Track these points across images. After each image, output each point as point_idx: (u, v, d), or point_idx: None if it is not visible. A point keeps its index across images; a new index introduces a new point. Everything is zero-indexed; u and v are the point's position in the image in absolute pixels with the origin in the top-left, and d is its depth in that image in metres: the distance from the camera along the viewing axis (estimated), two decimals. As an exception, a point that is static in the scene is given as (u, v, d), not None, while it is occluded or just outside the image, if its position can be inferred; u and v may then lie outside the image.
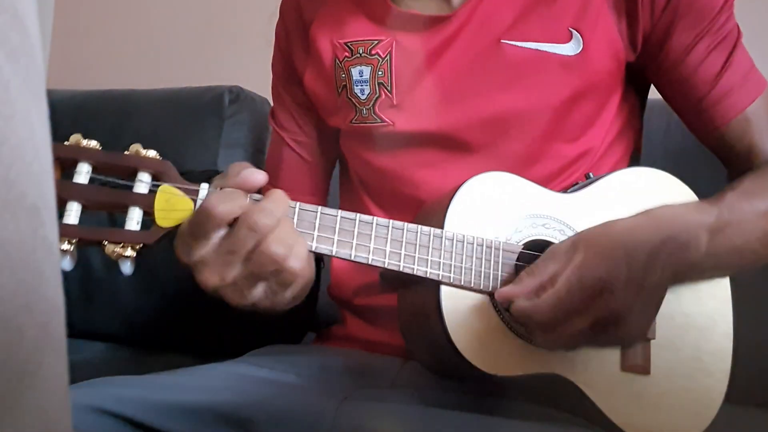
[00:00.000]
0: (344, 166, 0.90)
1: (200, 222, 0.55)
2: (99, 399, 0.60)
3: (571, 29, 0.73)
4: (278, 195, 0.58)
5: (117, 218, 0.58)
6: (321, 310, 0.97)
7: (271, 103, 0.94)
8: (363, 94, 0.78)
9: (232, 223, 0.55)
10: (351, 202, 0.86)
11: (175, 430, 0.60)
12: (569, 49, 0.73)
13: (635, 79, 0.79)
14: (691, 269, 0.61)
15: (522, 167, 0.69)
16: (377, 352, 0.79)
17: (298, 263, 0.56)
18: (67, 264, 0.54)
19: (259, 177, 0.58)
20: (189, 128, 1.41)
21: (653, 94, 0.82)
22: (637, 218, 0.61)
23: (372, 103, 0.78)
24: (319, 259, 0.96)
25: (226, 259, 0.55)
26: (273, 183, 0.90)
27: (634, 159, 0.84)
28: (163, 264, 1.22)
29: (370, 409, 0.62)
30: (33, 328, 0.24)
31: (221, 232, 0.55)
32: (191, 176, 0.59)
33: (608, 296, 0.57)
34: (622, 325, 0.58)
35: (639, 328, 0.61)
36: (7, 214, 0.23)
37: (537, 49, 0.73)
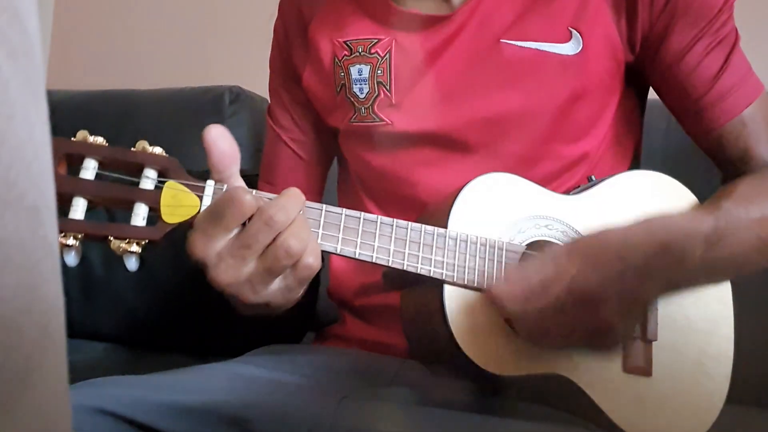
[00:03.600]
0: (343, 165, 0.90)
1: (222, 211, 0.55)
2: (99, 399, 0.60)
3: (570, 29, 0.73)
4: (293, 192, 0.58)
5: (119, 216, 0.57)
6: (321, 310, 0.97)
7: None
8: (362, 93, 0.78)
9: (245, 222, 0.56)
10: (349, 202, 0.86)
11: (175, 430, 0.60)
12: (569, 48, 0.73)
13: (635, 81, 0.79)
14: (685, 278, 0.60)
15: (521, 168, 0.69)
16: (377, 351, 0.79)
17: (314, 259, 0.57)
18: (72, 259, 0.54)
19: (214, 130, 0.57)
20: (189, 128, 1.40)
21: (652, 94, 0.82)
22: (633, 227, 0.59)
23: (371, 102, 0.78)
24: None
25: (240, 253, 0.55)
26: (268, 180, 0.90)
27: (634, 161, 0.84)
28: (163, 264, 1.22)
29: (369, 409, 0.62)
30: (32, 329, 0.24)
31: (240, 226, 0.55)
32: (191, 176, 0.59)
33: (599, 307, 0.56)
34: (610, 332, 0.58)
35: (626, 332, 0.62)
36: (7, 214, 0.23)
37: (537, 49, 0.73)
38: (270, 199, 0.57)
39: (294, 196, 0.57)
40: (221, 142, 0.57)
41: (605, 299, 0.56)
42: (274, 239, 0.55)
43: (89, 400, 0.59)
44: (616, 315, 0.57)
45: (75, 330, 1.25)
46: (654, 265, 0.57)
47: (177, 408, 0.61)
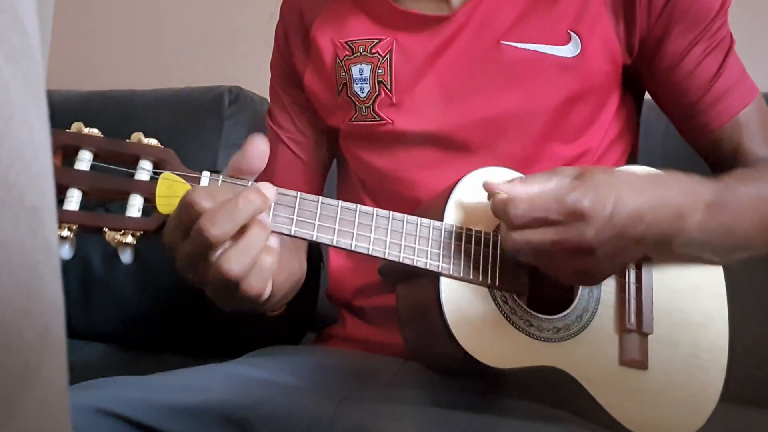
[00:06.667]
0: (343, 167, 0.90)
1: (181, 216, 0.53)
2: (99, 399, 0.60)
3: (569, 31, 0.74)
4: (248, 193, 0.52)
5: (114, 208, 0.57)
6: (320, 311, 0.97)
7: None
8: (363, 93, 0.79)
9: None
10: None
11: (175, 430, 0.60)
12: (568, 51, 0.74)
13: (631, 82, 0.80)
14: (680, 236, 0.63)
15: (520, 168, 0.70)
16: (376, 352, 0.79)
17: (258, 282, 0.53)
18: (66, 252, 0.53)
19: (260, 144, 0.56)
20: (189, 128, 1.41)
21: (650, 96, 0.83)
22: (643, 175, 0.65)
23: (372, 101, 0.79)
24: (319, 260, 0.96)
25: (194, 259, 0.53)
26: (267, 180, 0.90)
27: (631, 161, 0.84)
28: (162, 264, 1.22)
29: (369, 410, 0.62)
30: (32, 330, 0.24)
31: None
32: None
33: (583, 225, 0.57)
34: (585, 259, 0.59)
35: (600, 270, 0.62)
36: (7, 215, 0.23)
37: (536, 51, 0.74)
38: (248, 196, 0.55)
39: (249, 197, 0.52)
40: (260, 162, 0.57)
41: (591, 219, 0.57)
42: (209, 257, 0.51)
43: (89, 400, 0.59)
44: (597, 241, 0.57)
45: (74, 331, 1.26)
46: (650, 213, 0.60)
47: (177, 408, 0.61)
